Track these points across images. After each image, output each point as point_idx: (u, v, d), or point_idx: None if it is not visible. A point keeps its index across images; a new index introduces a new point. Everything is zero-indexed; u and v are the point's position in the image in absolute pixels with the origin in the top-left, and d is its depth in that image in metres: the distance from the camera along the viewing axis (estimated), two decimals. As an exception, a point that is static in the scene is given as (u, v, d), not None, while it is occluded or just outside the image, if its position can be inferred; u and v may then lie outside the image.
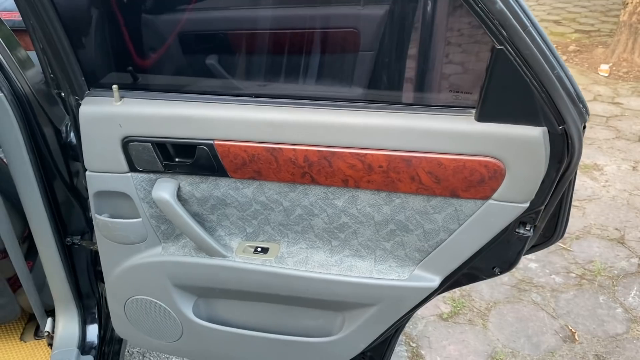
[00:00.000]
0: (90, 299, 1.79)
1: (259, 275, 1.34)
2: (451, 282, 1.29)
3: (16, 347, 1.88)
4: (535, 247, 1.32)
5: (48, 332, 1.76)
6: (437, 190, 1.13)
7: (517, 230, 1.19)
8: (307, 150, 1.16)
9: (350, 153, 1.13)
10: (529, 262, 2.74)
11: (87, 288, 1.76)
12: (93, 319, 1.79)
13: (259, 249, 1.36)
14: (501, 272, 1.27)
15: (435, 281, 1.26)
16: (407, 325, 2.37)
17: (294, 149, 1.16)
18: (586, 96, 4.81)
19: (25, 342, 1.91)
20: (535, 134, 1.01)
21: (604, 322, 2.36)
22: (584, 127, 1.05)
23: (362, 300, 1.33)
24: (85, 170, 1.33)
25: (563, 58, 5.91)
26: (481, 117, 1.04)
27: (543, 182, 1.09)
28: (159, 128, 1.23)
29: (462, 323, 2.38)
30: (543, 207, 1.14)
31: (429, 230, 1.21)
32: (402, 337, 2.31)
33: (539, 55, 0.93)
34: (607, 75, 5.30)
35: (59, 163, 1.52)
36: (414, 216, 1.20)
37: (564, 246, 2.86)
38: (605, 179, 3.50)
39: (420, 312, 2.45)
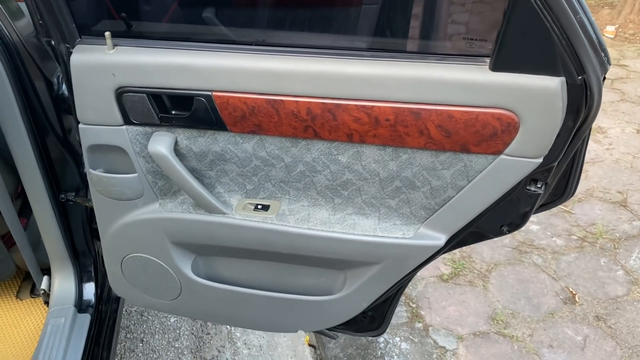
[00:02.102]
0: (87, 257, 1.76)
1: (259, 232, 1.30)
2: (457, 240, 1.26)
3: (12, 305, 1.86)
4: (544, 206, 1.29)
5: (44, 290, 1.74)
6: (447, 144, 1.08)
7: (528, 187, 1.14)
8: (310, 102, 1.10)
9: (355, 105, 1.08)
10: (530, 224, 2.72)
11: (83, 246, 1.72)
12: (90, 277, 1.76)
13: (259, 207, 1.32)
14: (509, 231, 1.23)
15: (441, 239, 1.22)
16: (407, 285, 2.36)
17: (296, 101, 1.11)
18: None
19: (21, 300, 1.89)
20: (552, 84, 0.96)
21: (605, 284, 2.35)
22: (604, 77, 1.00)
23: (365, 258, 1.29)
24: (78, 122, 1.28)
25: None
26: (496, 67, 0.98)
27: (558, 136, 1.04)
28: (154, 78, 1.17)
29: (463, 284, 2.37)
30: (556, 163, 1.09)
31: (437, 187, 1.16)
32: (402, 298, 2.30)
33: None
34: (612, 37, 5.19)
35: (51, 117, 1.47)
36: (421, 172, 1.15)
37: (566, 209, 2.83)
38: (609, 141, 3.45)
39: (420, 273, 2.43)
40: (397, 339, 2.12)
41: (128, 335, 2.23)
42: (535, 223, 2.73)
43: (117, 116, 1.23)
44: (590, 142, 3.45)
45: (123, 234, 1.45)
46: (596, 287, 2.34)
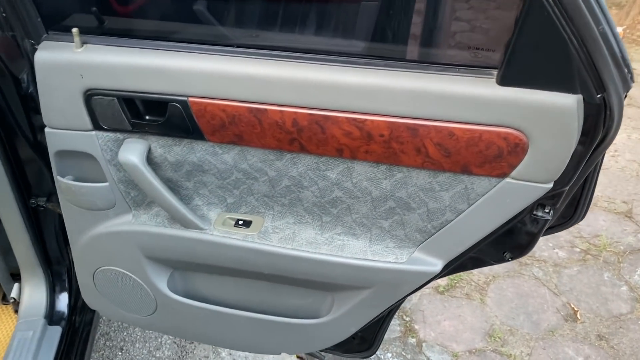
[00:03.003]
0: (60, 265, 1.65)
1: (239, 251, 1.20)
2: (455, 266, 1.15)
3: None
4: (551, 229, 1.18)
5: (14, 298, 1.63)
6: (446, 165, 0.97)
7: (535, 212, 1.03)
8: (296, 112, 0.99)
9: (346, 118, 0.97)
10: (531, 235, 2.61)
11: (56, 253, 1.61)
12: (63, 286, 1.65)
13: (240, 222, 1.21)
14: (512, 258, 1.13)
15: (437, 266, 1.12)
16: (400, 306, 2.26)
17: (280, 111, 0.99)
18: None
19: (-6, 308, 1.78)
20: (568, 102, 0.85)
21: (608, 301, 2.25)
22: (626, 96, 0.88)
23: (354, 283, 1.19)
24: (45, 126, 1.17)
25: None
26: (504, 80, 0.87)
27: (570, 159, 0.93)
28: (126, 80, 1.05)
29: (459, 297, 2.26)
30: (567, 187, 0.99)
31: (434, 210, 1.05)
32: (395, 311, 2.20)
33: (582, 4, 0.75)
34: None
35: (19, 117, 1.35)
36: (417, 193, 1.04)
37: (569, 218, 2.72)
38: (614, 148, 3.34)
39: (415, 284, 2.33)
40: (389, 354, 2.02)
41: (107, 343, 2.12)
42: (536, 233, 2.62)
43: (86, 121, 1.12)
44: (595, 149, 3.33)
45: (94, 245, 1.34)
46: (599, 304, 2.24)
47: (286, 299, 1.34)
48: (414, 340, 2.08)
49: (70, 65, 1.06)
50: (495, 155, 0.92)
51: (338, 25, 1.00)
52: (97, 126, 1.13)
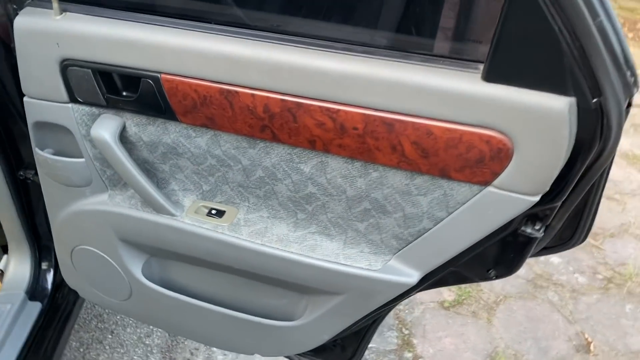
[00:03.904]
0: (49, 240, 1.62)
1: (209, 242, 1.13)
2: (434, 280, 1.06)
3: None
4: (547, 250, 1.07)
5: (1, 270, 1.62)
6: (424, 166, 0.88)
7: (523, 228, 0.93)
8: (268, 97, 0.92)
9: (319, 107, 0.89)
10: (551, 256, 2.46)
11: (44, 228, 1.59)
12: (49, 262, 1.62)
13: (213, 212, 1.15)
14: (497, 277, 1.02)
15: (413, 277, 1.02)
16: (402, 309, 2.15)
17: (252, 95, 0.92)
18: (648, 80, 4.35)
19: (-16, 276, 1.77)
20: (558, 105, 0.74)
21: (627, 335, 2.09)
22: (630, 103, 0.77)
23: (325, 287, 1.11)
24: (23, 95, 1.14)
25: (629, 36, 5.38)
26: (489, 76, 0.77)
27: (563, 171, 0.82)
28: (101, 52, 1.01)
29: (465, 314, 2.14)
30: (559, 203, 0.88)
31: (411, 215, 0.96)
32: (394, 322, 2.10)
33: None
34: (631, 36, 4.78)
35: (9, 86, 1.32)
36: (393, 195, 0.95)
37: (595, 243, 2.56)
38: (656, 172, 3.13)
39: (419, 296, 2.22)
40: (382, 367, 1.92)
41: (99, 325, 2.10)
42: (557, 255, 2.47)
43: (62, 92, 1.08)
44: (632, 171, 3.14)
45: (72, 222, 1.31)
46: (616, 337, 2.08)
47: (261, 298, 1.27)
48: (410, 355, 1.97)
49: (47, 33, 1.02)
50: (476, 160, 0.83)
51: (316, 6, 0.92)
52: (73, 99, 1.09)
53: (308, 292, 1.17)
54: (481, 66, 0.78)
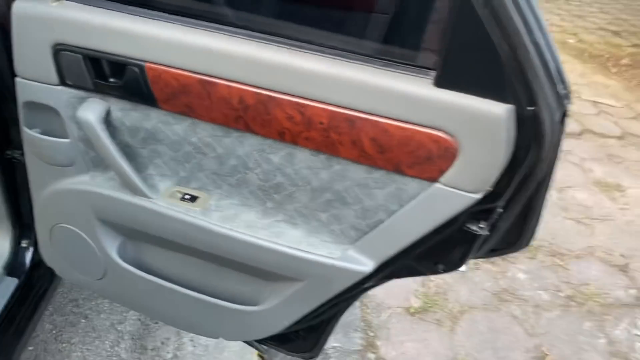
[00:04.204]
0: (30, 219, 1.68)
1: (181, 224, 1.20)
2: (389, 271, 1.13)
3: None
4: (495, 252, 1.15)
5: (-18, 246, 1.67)
6: (380, 161, 0.96)
7: (468, 225, 1.01)
8: (243, 90, 1.00)
9: (289, 101, 0.97)
10: (518, 272, 2.55)
11: (26, 207, 1.65)
12: (29, 241, 1.68)
13: (187, 197, 1.22)
14: (445, 270, 1.10)
15: (368, 266, 1.10)
16: (369, 312, 2.22)
17: (228, 86, 1.01)
18: (627, 114, 4.49)
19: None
20: (497, 111, 0.83)
21: (582, 351, 2.17)
22: (565, 114, 0.86)
23: (287, 272, 1.18)
24: (15, 75, 1.21)
25: (612, 71, 5.55)
26: (439, 82, 0.86)
27: (504, 173, 0.91)
28: (91, 39, 1.08)
29: (429, 321, 2.22)
30: (502, 203, 0.96)
31: (368, 207, 1.04)
32: (360, 323, 2.17)
33: (513, 10, 0.74)
34: None
35: (2, 67, 1.39)
36: (353, 188, 1.03)
37: (561, 263, 2.65)
38: (625, 201, 3.24)
39: (387, 300, 2.29)
40: (345, 366, 1.99)
41: (74, 310, 2.15)
42: (524, 272, 2.56)
43: (54, 75, 1.15)
44: (604, 198, 3.25)
45: (54, 201, 1.37)
46: (572, 352, 2.16)
47: (228, 283, 1.34)
48: (373, 356, 2.04)
49: (43, 18, 1.10)
50: (425, 157, 0.91)
51: (291, 9, 1.01)
52: (62, 81, 1.16)
53: (272, 279, 1.24)
54: (433, 73, 0.87)
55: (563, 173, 3.48)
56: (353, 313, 2.23)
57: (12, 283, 1.59)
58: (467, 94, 0.85)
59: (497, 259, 2.63)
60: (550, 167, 0.93)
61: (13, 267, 1.63)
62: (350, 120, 0.94)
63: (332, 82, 0.93)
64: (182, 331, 2.17)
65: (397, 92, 0.89)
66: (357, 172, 1.01)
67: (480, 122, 0.85)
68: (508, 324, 2.26)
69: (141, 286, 1.40)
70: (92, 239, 1.38)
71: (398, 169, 0.95)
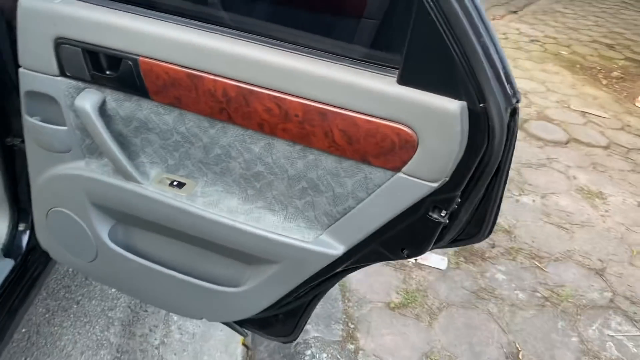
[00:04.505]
0: (27, 205, 1.77)
1: (168, 208, 1.29)
2: (359, 256, 1.22)
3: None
4: (457, 242, 1.24)
5: (-19, 228, 1.75)
6: (349, 152, 1.05)
7: (429, 213, 1.10)
8: (226, 83, 1.09)
9: (268, 95, 1.06)
10: (497, 273, 2.64)
11: (24, 193, 1.73)
12: (26, 225, 1.76)
13: (174, 183, 1.31)
14: (409, 256, 1.19)
15: (338, 250, 1.19)
16: (351, 306, 2.31)
17: (214, 80, 1.10)
18: (614, 124, 4.60)
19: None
20: (452, 107, 0.93)
21: (555, 348, 2.26)
22: (514, 112, 0.96)
23: (264, 255, 1.27)
24: (19, 66, 1.30)
25: (603, 82, 5.67)
26: (402, 80, 0.96)
27: (460, 165, 1.00)
28: (90, 34, 1.18)
29: (408, 316, 2.31)
30: (459, 193, 1.06)
31: (339, 195, 1.14)
32: (342, 316, 2.26)
33: (462, 14, 0.84)
34: None
35: (7, 59, 1.48)
36: (325, 177, 1.13)
37: (540, 265, 2.74)
38: (606, 208, 3.34)
39: (368, 295, 2.38)
40: (324, 355, 2.07)
41: (66, 295, 2.23)
42: (503, 272, 2.65)
43: (54, 66, 1.24)
44: (585, 205, 3.35)
45: (50, 185, 1.46)
46: (545, 349, 2.25)
47: (211, 266, 1.43)
48: (352, 347, 2.13)
49: (46, 13, 1.19)
50: (389, 149, 1.01)
51: (270, 10, 1.11)
52: (62, 73, 1.25)
53: (252, 261, 1.33)
54: (397, 72, 0.96)
55: (548, 179, 3.58)
56: (335, 306, 2.32)
57: (8, 264, 1.67)
58: (426, 91, 0.94)
59: (477, 260, 2.72)
60: (505, 160, 1.02)
61: (10, 249, 1.72)
62: (323, 113, 1.03)
63: (306, 78, 1.02)
64: (170, 319, 2.26)
65: (365, 88, 0.98)
66: (329, 162, 1.10)
67: (436, 117, 0.94)
68: (484, 321, 2.35)
69: (130, 268, 1.49)
70: (86, 222, 1.46)
71: (365, 159, 1.04)
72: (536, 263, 2.76)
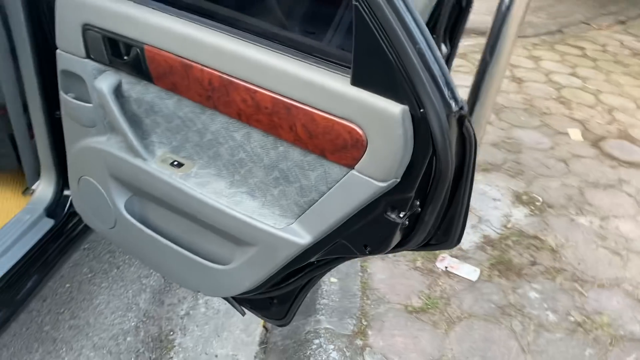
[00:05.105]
0: None
1: (165, 185, 1.42)
2: (329, 248, 1.27)
3: (16, 198, 2.13)
4: (428, 247, 1.26)
5: (33, 189, 1.98)
6: (310, 146, 1.11)
7: (388, 213, 1.13)
8: (212, 73, 1.19)
9: (244, 86, 1.15)
10: (530, 290, 2.56)
11: (70, 161, 1.94)
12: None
13: (175, 163, 1.43)
14: (371, 253, 1.23)
15: (305, 238, 1.25)
16: (369, 303, 2.35)
17: (202, 69, 1.20)
18: None
19: (24, 196, 2.16)
20: (395, 110, 0.96)
21: (576, 376, 2.17)
22: (461, 118, 0.97)
23: (242, 236, 1.36)
24: (57, 48, 1.47)
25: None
26: (354, 81, 1.00)
27: (410, 167, 1.03)
28: (108, 22, 1.32)
29: (425, 321, 2.30)
30: (412, 195, 1.08)
31: (305, 187, 1.20)
32: (357, 312, 2.30)
33: (394, 20, 0.87)
34: None
35: (52, 42, 1.68)
36: (293, 168, 1.19)
37: (580, 289, 2.62)
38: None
39: (388, 295, 2.40)
40: (332, 346, 2.13)
41: (110, 259, 2.46)
42: (537, 291, 2.56)
43: (82, 49, 1.41)
44: (649, 233, 3.12)
45: (81, 155, 1.63)
46: (565, 375, 2.16)
47: (207, 243, 1.53)
48: (361, 342, 2.17)
49: (77, 2, 1.35)
50: (342, 146, 1.05)
51: (252, 6, 1.19)
52: (88, 55, 1.41)
53: (237, 242, 1.42)
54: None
55: (613, 202, 3.38)
56: (353, 301, 2.36)
57: (48, 223, 1.88)
58: (374, 94, 0.98)
59: (512, 275, 2.64)
60: (467, 167, 1.03)
61: (53, 211, 1.93)
62: (288, 107, 1.10)
63: (274, 72, 1.09)
64: (198, 294, 2.41)
65: (323, 86, 1.04)
66: (296, 154, 1.16)
67: (382, 119, 0.98)
68: (504, 337, 2.29)
69: (141, 237, 1.63)
70: (107, 192, 1.63)
71: (323, 154, 1.10)
72: (577, 286, 2.63)
